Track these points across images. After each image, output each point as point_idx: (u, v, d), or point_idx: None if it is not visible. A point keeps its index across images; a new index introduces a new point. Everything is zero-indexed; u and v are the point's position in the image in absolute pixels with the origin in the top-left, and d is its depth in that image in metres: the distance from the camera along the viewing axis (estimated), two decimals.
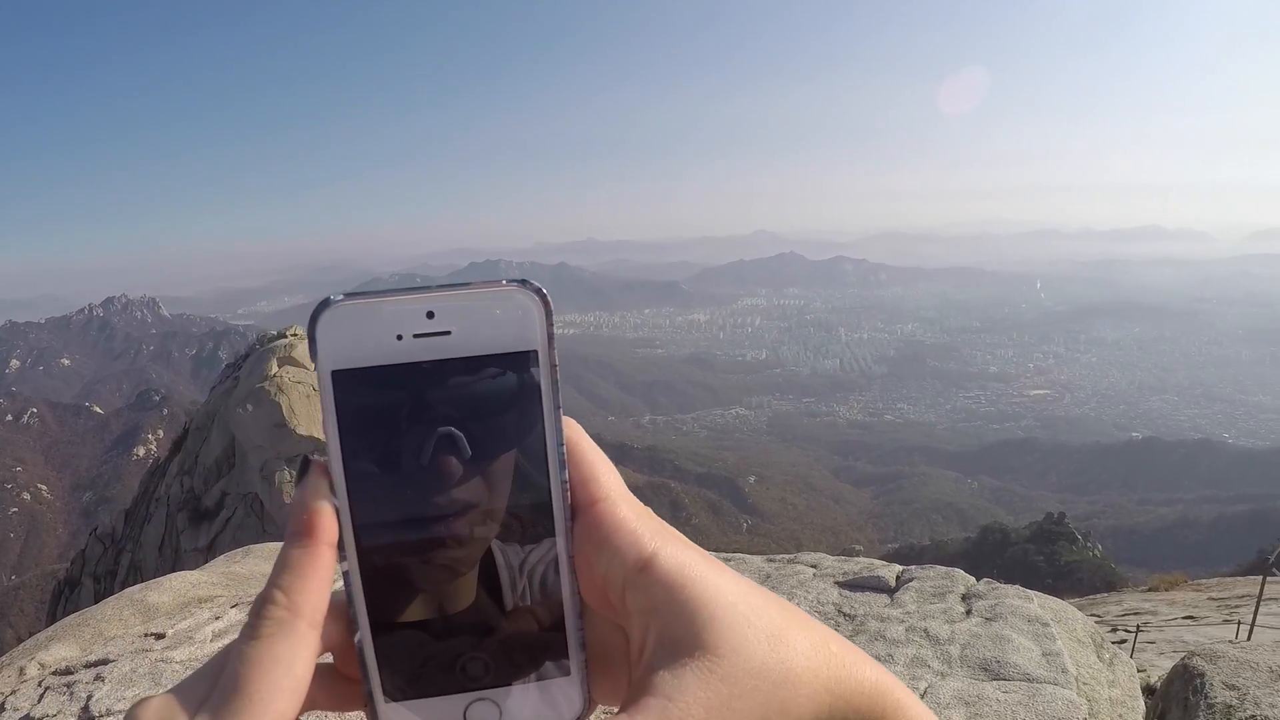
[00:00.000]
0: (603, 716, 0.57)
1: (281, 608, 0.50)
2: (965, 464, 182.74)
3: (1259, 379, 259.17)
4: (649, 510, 0.56)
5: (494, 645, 0.54)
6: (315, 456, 0.53)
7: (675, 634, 0.50)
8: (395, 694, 0.53)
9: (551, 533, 0.54)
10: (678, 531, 0.56)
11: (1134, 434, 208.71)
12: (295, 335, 33.10)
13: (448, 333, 0.52)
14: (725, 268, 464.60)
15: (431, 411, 0.52)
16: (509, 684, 0.54)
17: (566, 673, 0.54)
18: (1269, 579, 11.43)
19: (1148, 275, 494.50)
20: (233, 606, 5.42)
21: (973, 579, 5.38)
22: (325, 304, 0.52)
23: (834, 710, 0.51)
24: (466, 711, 0.53)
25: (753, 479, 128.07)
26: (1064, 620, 4.82)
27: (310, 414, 28.31)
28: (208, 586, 6.38)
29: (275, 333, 35.25)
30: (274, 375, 31.43)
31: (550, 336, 0.53)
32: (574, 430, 0.55)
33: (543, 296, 0.53)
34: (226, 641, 4.51)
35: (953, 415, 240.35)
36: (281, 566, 0.51)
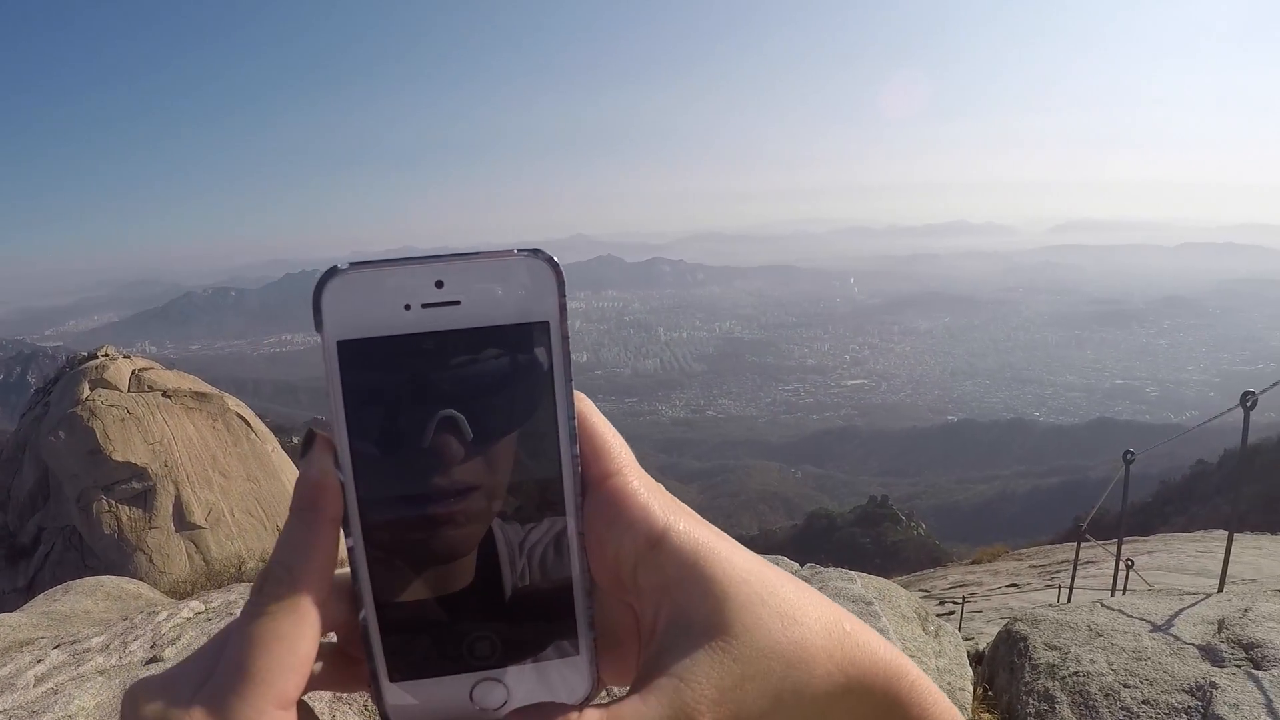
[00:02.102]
0: (608, 696, 0.53)
1: (284, 584, 0.48)
2: (788, 454, 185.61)
3: (1064, 361, 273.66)
4: (660, 486, 0.54)
5: (501, 624, 0.52)
6: (319, 430, 0.50)
7: (688, 613, 0.48)
8: (400, 673, 0.51)
9: (562, 509, 0.51)
10: (689, 508, 0.53)
11: (949, 417, 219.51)
12: (107, 355, 27.19)
13: (457, 302, 0.49)
14: None
15: (439, 384, 0.49)
16: (516, 664, 0.52)
17: (575, 652, 0.52)
18: (1083, 544, 11.84)
19: (957, 268, 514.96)
20: (54, 648, 5.41)
21: (796, 564, 5.77)
22: (332, 272, 0.49)
23: (848, 690, 0.49)
24: (472, 691, 0.51)
25: None
26: (888, 598, 5.09)
27: (125, 438, 23.58)
28: (28, 629, 6.33)
29: (86, 353, 29.20)
30: (86, 399, 25.49)
31: (563, 308, 0.50)
32: (585, 404, 0.53)
33: (555, 266, 0.50)
34: (51, 685, 4.33)
35: (773, 408, 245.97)
36: (285, 542, 0.49)
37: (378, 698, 0.51)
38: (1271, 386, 6.01)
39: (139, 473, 23.39)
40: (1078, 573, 11.77)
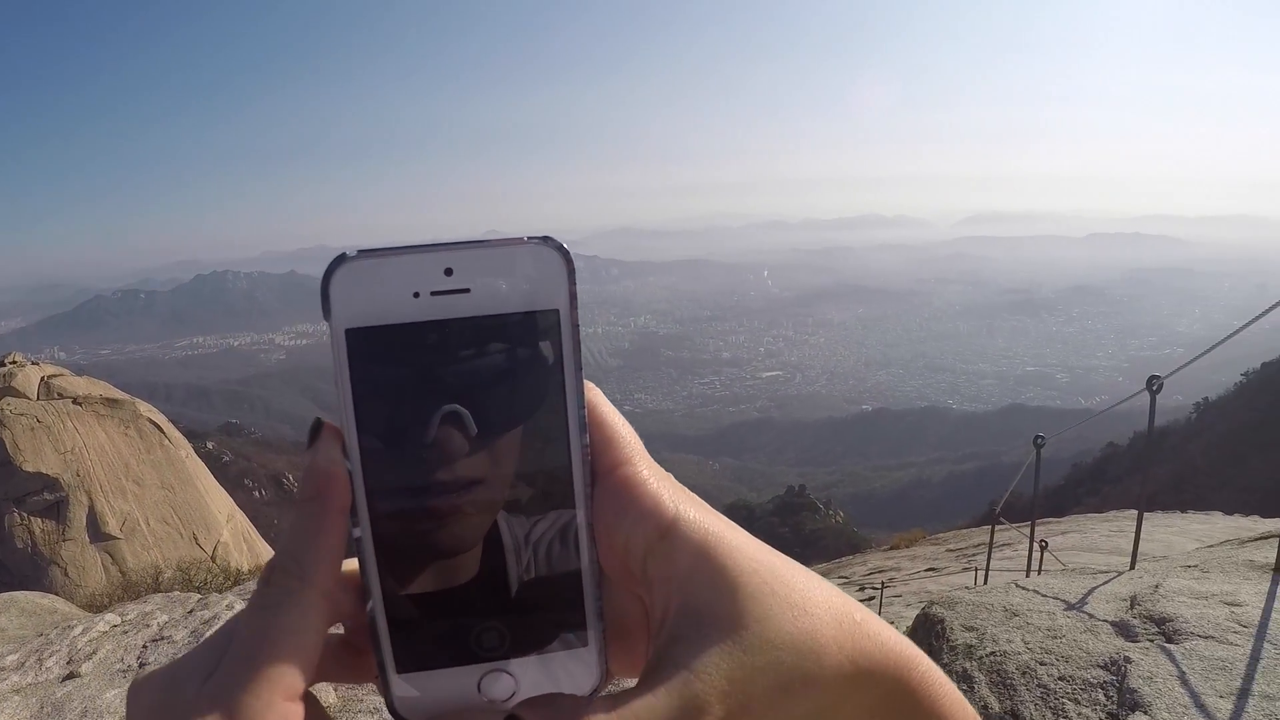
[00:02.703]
0: (617, 688, 0.52)
1: (292, 576, 0.47)
2: (706, 447, 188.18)
3: (977, 349, 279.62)
4: (670, 476, 0.53)
5: (510, 615, 0.51)
6: (326, 419, 0.49)
7: (698, 603, 0.47)
8: (407, 665, 0.50)
9: (572, 499, 0.51)
10: (698, 497, 0.53)
11: (864, 406, 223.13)
12: (14, 363, 26.80)
13: (466, 290, 0.48)
14: None
15: (448, 373, 0.48)
16: (524, 655, 0.51)
17: (584, 644, 0.51)
18: (998, 527, 12.02)
19: (870, 260, 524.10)
20: None
21: None
22: (340, 260, 0.48)
23: (859, 680, 0.48)
24: (480, 683, 0.50)
25: None
26: None
27: (36, 448, 23.91)
28: None
29: None
30: None
31: (573, 296, 0.50)
32: (594, 394, 0.52)
33: (565, 254, 0.50)
34: None
35: (690, 401, 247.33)
36: (292, 532, 0.48)
37: (385, 689, 0.50)
38: (1176, 371, 6.14)
39: (51, 483, 23.11)
40: (994, 555, 11.85)
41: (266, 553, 25.11)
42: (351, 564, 0.50)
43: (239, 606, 5.16)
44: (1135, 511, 6.96)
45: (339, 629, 0.53)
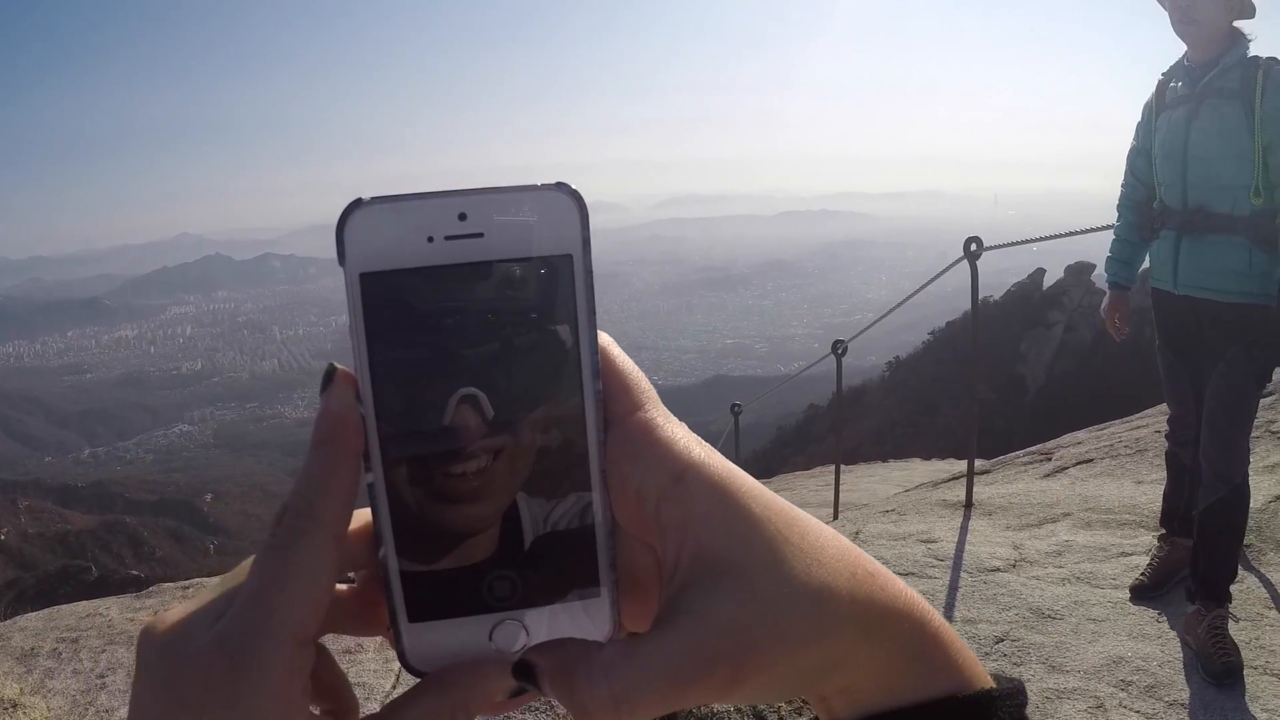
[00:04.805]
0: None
1: (303, 516, 0.46)
2: None
3: (677, 327, 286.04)
4: (684, 425, 0.51)
5: (522, 564, 0.50)
6: (339, 365, 0.48)
7: (710, 550, 0.46)
8: (419, 614, 0.49)
9: (585, 446, 0.49)
10: (711, 446, 0.50)
11: None
12: None
13: (480, 235, 0.47)
14: (149, 276, 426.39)
15: (462, 317, 0.47)
16: (537, 605, 0.50)
17: (596, 594, 0.50)
18: None
19: None
20: None
21: None
22: (355, 204, 0.47)
23: (871, 632, 0.47)
24: (492, 633, 0.50)
25: (210, 497, 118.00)
26: None
27: None
28: None
29: None
30: None
31: (586, 241, 0.48)
32: (607, 341, 0.50)
33: (578, 199, 0.48)
34: None
35: None
36: (304, 475, 0.47)
37: (396, 639, 0.50)
38: (858, 335, 7.82)
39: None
40: None
41: None
42: (364, 514, 0.50)
43: None
44: (841, 466, 8.17)
45: (351, 579, 0.52)
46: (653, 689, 0.44)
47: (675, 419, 0.50)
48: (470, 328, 0.47)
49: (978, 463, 6.59)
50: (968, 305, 6.05)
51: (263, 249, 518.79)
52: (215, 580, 0.48)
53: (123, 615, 4.97)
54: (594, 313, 0.48)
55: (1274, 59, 3.40)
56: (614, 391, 0.49)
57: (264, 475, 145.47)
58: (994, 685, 0.48)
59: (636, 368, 0.51)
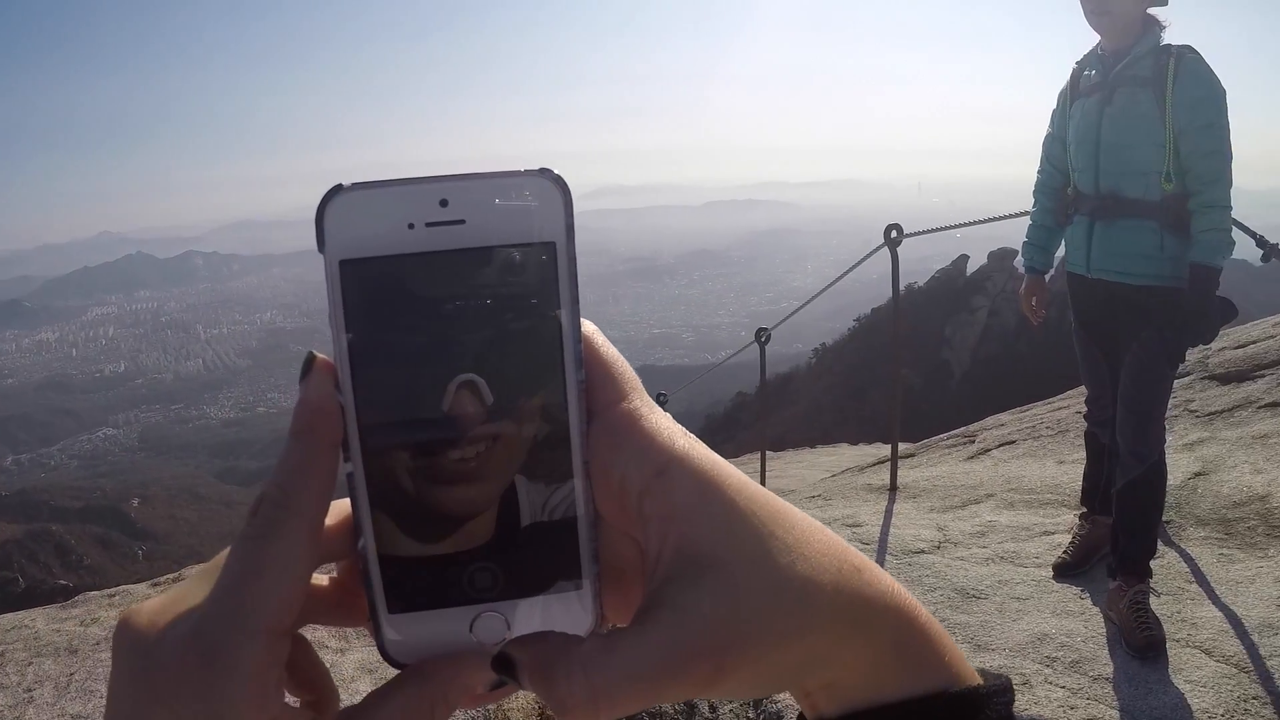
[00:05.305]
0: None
1: (279, 506, 0.45)
2: None
3: (604, 317, 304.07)
4: (669, 415, 0.50)
5: (503, 556, 0.49)
6: (319, 353, 0.48)
7: (693, 543, 0.45)
8: (399, 605, 0.49)
9: (567, 436, 0.48)
10: (695, 437, 0.49)
11: None
12: None
13: (462, 221, 0.47)
14: (70, 277, 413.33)
15: (442, 305, 0.46)
16: (518, 597, 0.49)
17: (578, 586, 0.50)
18: None
19: None
20: None
21: None
22: (335, 190, 0.46)
23: (855, 629, 0.47)
24: (473, 624, 0.49)
25: (137, 502, 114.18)
26: None
27: None
28: None
29: None
30: None
31: (570, 229, 0.48)
32: (591, 330, 0.49)
33: (562, 185, 0.48)
34: None
35: None
36: (281, 465, 0.46)
37: (376, 630, 0.49)
38: (781, 323, 7.92)
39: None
40: None
41: None
42: (344, 505, 0.49)
43: None
44: (769, 452, 8.05)
45: (331, 571, 0.52)
46: (632, 685, 0.43)
47: (660, 410, 0.50)
48: (452, 315, 0.46)
49: (903, 446, 6.63)
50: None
51: (185, 246, 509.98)
52: (195, 570, 0.47)
53: (49, 627, 4.83)
54: (577, 301, 0.48)
55: (1187, 47, 3.44)
56: (598, 381, 0.49)
57: (191, 478, 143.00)
58: (981, 682, 0.48)
59: (621, 357, 0.50)
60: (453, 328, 0.46)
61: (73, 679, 4.11)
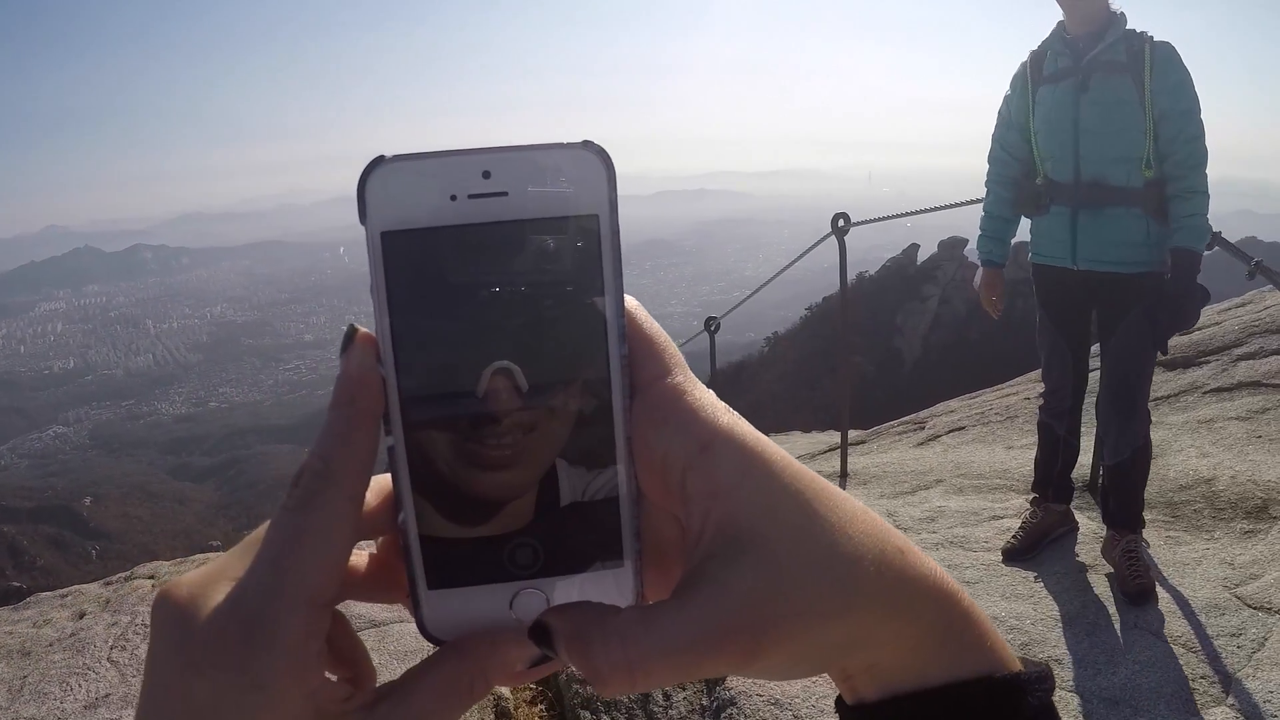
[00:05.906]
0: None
1: (319, 477, 0.44)
2: (300, 434, 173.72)
3: None
4: (712, 392, 0.49)
5: (544, 532, 0.48)
6: (360, 326, 0.47)
7: (736, 519, 0.45)
8: (438, 581, 0.48)
9: (609, 411, 0.47)
10: (738, 414, 0.49)
11: None
12: None
13: (505, 193, 0.46)
14: (16, 272, 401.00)
15: (484, 279, 0.45)
16: (558, 574, 0.49)
17: (619, 564, 0.49)
18: None
19: None
20: None
21: None
22: (377, 162, 0.46)
23: (898, 611, 0.46)
24: (513, 601, 0.48)
25: (89, 500, 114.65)
26: None
27: None
28: None
29: None
30: None
31: (613, 202, 0.47)
32: (634, 304, 0.49)
33: (605, 158, 0.47)
34: None
35: (277, 389, 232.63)
36: (322, 437, 0.45)
37: (415, 607, 0.49)
38: (730, 311, 7.99)
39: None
40: None
41: None
42: (385, 480, 0.48)
43: None
44: None
45: (371, 548, 0.52)
46: (668, 657, 0.43)
47: (703, 386, 0.49)
48: (494, 289, 0.46)
49: (854, 434, 6.64)
50: None
51: (133, 239, 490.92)
52: (240, 544, 0.47)
53: (1, 629, 4.75)
54: (620, 274, 0.47)
55: (1152, 37, 3.45)
56: (640, 356, 0.48)
57: (144, 475, 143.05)
58: (1023, 669, 0.47)
59: (663, 332, 0.50)
60: (495, 301, 0.45)
61: (26, 681, 4.03)
